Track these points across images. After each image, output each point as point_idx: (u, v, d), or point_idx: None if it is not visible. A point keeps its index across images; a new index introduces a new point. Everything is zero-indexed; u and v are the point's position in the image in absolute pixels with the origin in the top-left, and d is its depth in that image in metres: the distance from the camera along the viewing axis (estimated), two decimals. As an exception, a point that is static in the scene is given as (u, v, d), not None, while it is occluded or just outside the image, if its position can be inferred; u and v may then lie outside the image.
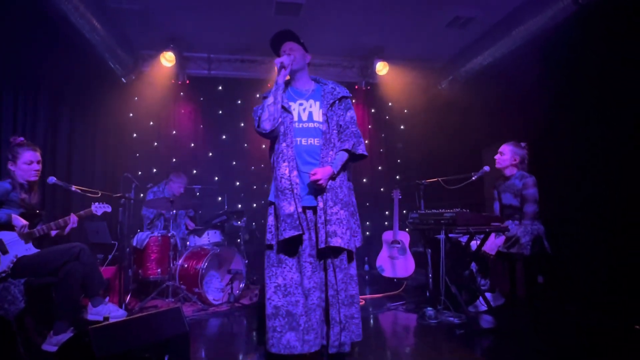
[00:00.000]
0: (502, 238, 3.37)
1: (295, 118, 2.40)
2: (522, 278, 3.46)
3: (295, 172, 2.30)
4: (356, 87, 6.31)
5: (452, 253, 3.44)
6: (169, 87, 5.72)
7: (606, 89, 3.61)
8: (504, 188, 3.56)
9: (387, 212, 6.22)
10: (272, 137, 2.41)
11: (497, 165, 3.57)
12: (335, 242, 2.18)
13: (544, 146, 4.15)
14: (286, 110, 2.38)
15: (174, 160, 5.75)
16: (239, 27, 4.89)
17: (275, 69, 2.44)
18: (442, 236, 3.20)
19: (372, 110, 6.59)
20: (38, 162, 2.92)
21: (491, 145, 3.66)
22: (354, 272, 2.33)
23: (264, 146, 5.74)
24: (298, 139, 2.36)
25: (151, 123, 5.83)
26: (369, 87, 6.33)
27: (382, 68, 5.62)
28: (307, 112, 2.42)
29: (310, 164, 2.34)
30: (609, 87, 3.58)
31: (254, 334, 2.99)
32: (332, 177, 2.30)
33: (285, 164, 2.30)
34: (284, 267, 2.28)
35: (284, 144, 2.33)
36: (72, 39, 4.21)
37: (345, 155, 2.37)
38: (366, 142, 6.42)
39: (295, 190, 2.26)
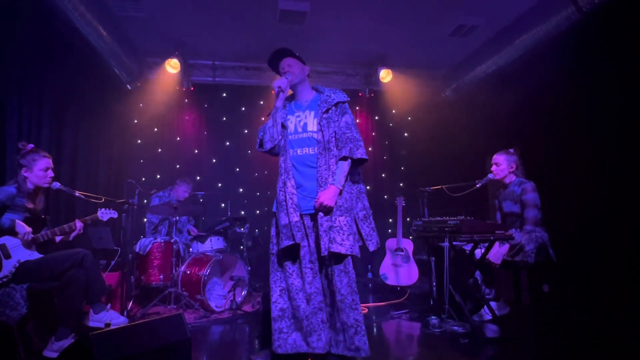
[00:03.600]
0: (507, 246, 3.34)
1: (292, 130, 2.48)
2: (526, 287, 3.42)
3: (290, 183, 2.37)
4: (360, 94, 6.33)
5: (456, 261, 3.41)
6: (174, 93, 5.76)
7: (610, 96, 3.60)
8: (504, 196, 3.54)
9: (390, 220, 6.20)
10: (275, 153, 2.53)
11: (497, 177, 3.57)
12: (336, 248, 2.22)
13: (547, 153, 4.14)
14: (284, 126, 2.48)
15: (178, 166, 5.77)
16: (243, 35, 4.93)
17: (273, 92, 2.50)
18: (446, 244, 3.18)
19: (376, 118, 6.60)
20: (52, 169, 2.98)
21: (495, 153, 3.65)
22: (355, 277, 2.37)
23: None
24: (295, 150, 2.44)
25: (155, 129, 5.86)
26: (372, 95, 6.35)
27: (385, 75, 5.64)
28: (302, 123, 2.48)
29: (305, 174, 2.40)
30: (614, 94, 3.57)
31: (256, 341, 2.97)
32: (340, 192, 2.33)
33: (282, 177, 2.40)
34: (286, 273, 2.36)
35: (281, 158, 2.46)
36: (78, 45, 4.25)
37: (346, 165, 2.37)
38: (370, 149, 6.44)
39: (289, 202, 2.32)
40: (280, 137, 2.46)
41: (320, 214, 2.30)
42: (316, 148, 2.40)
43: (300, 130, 2.46)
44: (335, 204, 2.30)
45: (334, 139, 2.40)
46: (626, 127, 3.44)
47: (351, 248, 2.25)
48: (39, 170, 2.89)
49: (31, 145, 2.95)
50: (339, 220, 2.29)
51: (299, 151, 2.44)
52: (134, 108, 5.64)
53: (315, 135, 2.42)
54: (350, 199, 2.40)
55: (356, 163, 2.42)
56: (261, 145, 2.54)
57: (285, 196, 2.35)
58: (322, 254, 2.25)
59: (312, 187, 2.37)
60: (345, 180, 2.37)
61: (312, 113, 2.48)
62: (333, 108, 2.46)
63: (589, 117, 3.81)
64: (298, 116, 2.50)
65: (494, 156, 3.60)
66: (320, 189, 2.32)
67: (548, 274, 3.53)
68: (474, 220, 3.14)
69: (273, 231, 2.47)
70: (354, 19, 4.61)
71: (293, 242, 2.27)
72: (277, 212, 2.40)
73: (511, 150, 3.59)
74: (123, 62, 4.88)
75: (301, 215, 2.35)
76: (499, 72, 5.01)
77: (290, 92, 2.56)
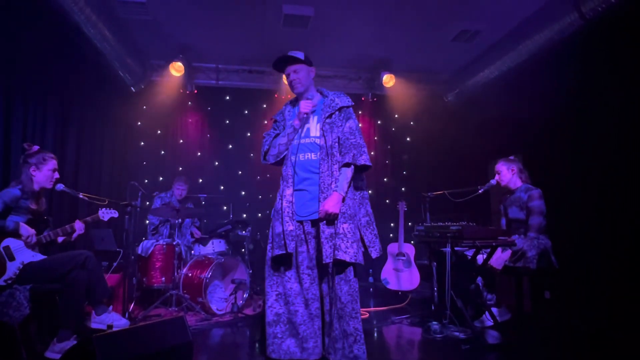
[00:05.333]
0: (509, 252, 3.34)
1: (300, 134, 2.46)
2: (528, 293, 3.42)
3: (288, 192, 2.38)
4: (363, 98, 6.34)
5: (458, 267, 3.40)
6: (178, 96, 5.79)
7: (613, 103, 3.60)
8: (510, 202, 3.54)
9: (392, 224, 6.19)
10: (277, 164, 2.55)
11: (502, 184, 3.57)
12: (340, 256, 2.20)
13: (550, 160, 4.13)
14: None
15: (180, 169, 5.78)
16: (247, 39, 4.95)
17: (300, 113, 2.45)
18: (448, 249, 3.17)
19: (379, 122, 6.61)
20: (57, 171, 3.01)
21: (498, 159, 3.65)
22: (357, 286, 2.34)
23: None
24: (297, 156, 2.43)
25: (159, 132, 5.88)
26: (375, 99, 6.36)
27: (388, 80, 5.66)
28: (305, 129, 2.46)
29: (307, 179, 2.39)
30: (616, 102, 3.57)
31: (257, 344, 2.97)
32: (343, 199, 2.32)
33: (282, 185, 2.44)
34: (284, 278, 2.36)
35: (283, 166, 2.48)
36: (83, 48, 4.28)
37: (349, 171, 2.36)
38: (372, 153, 6.45)
39: (286, 211, 2.34)
40: (285, 151, 2.49)
41: (324, 221, 2.29)
42: (319, 153, 2.37)
43: (303, 135, 2.45)
44: (339, 210, 2.27)
45: (337, 144, 2.38)
46: (629, 133, 3.44)
47: (355, 256, 2.23)
48: (48, 171, 2.92)
49: (37, 147, 2.97)
50: (343, 227, 2.26)
51: (301, 156, 2.41)
52: (138, 110, 5.66)
53: (317, 141, 2.40)
54: (354, 205, 2.38)
55: (359, 169, 2.40)
56: (265, 157, 2.57)
57: (282, 204, 2.36)
58: (324, 262, 2.23)
59: (314, 193, 2.35)
60: (349, 187, 2.35)
61: (316, 118, 2.47)
62: (337, 113, 2.44)
63: (592, 124, 3.81)
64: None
65: (496, 166, 3.63)
66: (322, 195, 2.30)
67: (550, 280, 3.52)
68: (476, 226, 3.14)
69: (270, 236, 2.47)
70: (358, 24, 4.63)
71: (284, 252, 2.28)
72: (273, 219, 2.43)
73: (511, 157, 3.61)
74: (127, 65, 4.91)
75: (301, 222, 2.36)
76: (501, 78, 5.02)
77: (293, 95, 2.58)
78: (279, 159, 2.50)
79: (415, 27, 4.72)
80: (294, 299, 2.31)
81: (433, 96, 6.22)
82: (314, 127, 2.45)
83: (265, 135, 2.62)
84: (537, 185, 3.46)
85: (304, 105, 2.41)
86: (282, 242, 2.29)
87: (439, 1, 4.16)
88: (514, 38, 4.59)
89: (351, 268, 2.31)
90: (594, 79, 3.80)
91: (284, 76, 2.67)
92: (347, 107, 2.49)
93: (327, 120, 2.41)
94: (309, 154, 2.41)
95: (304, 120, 2.45)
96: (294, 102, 2.63)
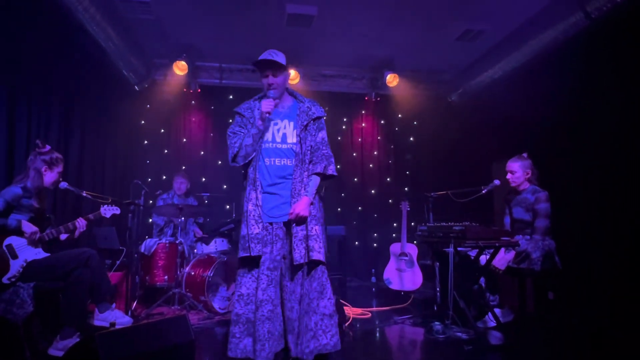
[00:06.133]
0: (512, 253, 3.33)
1: (269, 138, 2.48)
2: (532, 294, 3.40)
3: (254, 195, 2.42)
4: (366, 98, 6.34)
5: (460, 267, 3.39)
6: (181, 95, 5.81)
7: (617, 103, 3.58)
8: (516, 202, 3.51)
9: (395, 224, 6.19)
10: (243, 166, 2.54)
11: (512, 184, 3.50)
12: (315, 256, 2.33)
13: (553, 160, 4.11)
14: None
15: (184, 167, 5.79)
16: (250, 38, 4.95)
17: (263, 110, 2.42)
18: (450, 249, 3.16)
19: (382, 122, 6.60)
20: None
21: (501, 159, 3.64)
22: (325, 283, 2.42)
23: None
24: (271, 159, 2.45)
25: (162, 130, 5.89)
26: (378, 99, 6.35)
27: (392, 80, 5.65)
28: (281, 133, 2.50)
29: (278, 184, 2.44)
30: (621, 102, 3.55)
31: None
32: (312, 203, 2.42)
33: (249, 187, 2.45)
34: (249, 278, 2.40)
35: (250, 168, 2.48)
36: (87, 47, 4.30)
37: (318, 179, 2.49)
38: (375, 153, 6.45)
39: (252, 214, 2.39)
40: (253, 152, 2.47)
41: (294, 223, 2.37)
42: (294, 160, 2.45)
43: (279, 140, 2.49)
44: (310, 213, 2.40)
45: (309, 152, 2.49)
46: (632, 134, 3.42)
47: (325, 256, 2.39)
48: (57, 173, 2.98)
49: (49, 146, 3.00)
50: (315, 229, 2.40)
51: (276, 161, 2.46)
52: (141, 109, 5.68)
53: (294, 147, 2.47)
54: (320, 208, 2.52)
55: (325, 178, 2.53)
56: (234, 159, 2.50)
57: (248, 207, 2.41)
58: (296, 262, 2.33)
59: (286, 197, 2.43)
60: (316, 193, 2.48)
61: (292, 124, 2.51)
62: (311, 122, 2.53)
63: (595, 124, 3.80)
64: (276, 124, 2.51)
65: (508, 163, 3.50)
66: (293, 200, 2.39)
67: (553, 281, 3.50)
68: (479, 226, 3.13)
69: (240, 240, 2.48)
70: (361, 23, 4.63)
71: (247, 255, 2.33)
72: (242, 222, 2.45)
73: (525, 155, 3.51)
74: (131, 64, 4.92)
75: (271, 223, 2.41)
76: (505, 78, 5.00)
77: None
78: (247, 160, 2.48)
79: (418, 27, 4.70)
80: (253, 299, 2.36)
81: (437, 96, 6.20)
82: (290, 133, 2.50)
83: (231, 134, 2.55)
84: (541, 185, 3.44)
85: (265, 105, 2.42)
86: (247, 244, 2.35)
87: (442, 1, 4.15)
88: (518, 38, 4.57)
89: (321, 267, 2.42)
90: (598, 79, 3.78)
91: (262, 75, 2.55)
92: (322, 117, 2.59)
93: (305, 129, 2.50)
94: (285, 160, 2.47)
95: (266, 120, 2.45)
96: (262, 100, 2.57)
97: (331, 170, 2.49)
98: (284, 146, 2.48)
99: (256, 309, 2.30)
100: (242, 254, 2.37)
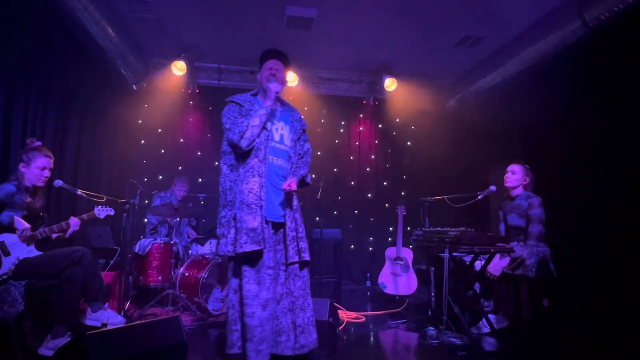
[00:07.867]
0: (507, 259, 3.33)
1: (274, 137, 2.50)
2: (526, 300, 3.40)
3: (264, 189, 2.39)
4: (364, 102, 6.35)
5: (455, 272, 3.39)
6: (179, 95, 5.78)
7: (616, 112, 3.60)
8: (510, 209, 3.52)
9: (390, 228, 6.19)
10: (244, 152, 2.40)
11: (507, 184, 3.53)
12: (307, 256, 2.44)
13: (551, 166, 4.13)
14: (265, 128, 2.45)
15: (180, 168, 5.77)
16: (250, 39, 4.95)
17: (271, 92, 2.45)
18: (446, 255, 3.16)
19: (380, 126, 6.61)
20: (49, 170, 2.95)
21: (498, 165, 3.65)
22: (308, 281, 2.52)
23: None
24: (272, 158, 2.46)
25: (159, 130, 5.88)
26: (376, 103, 6.35)
27: (390, 84, 5.65)
28: (279, 134, 2.54)
29: (279, 183, 2.47)
30: (617, 109, 3.57)
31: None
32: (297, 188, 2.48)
33: (255, 179, 2.37)
34: (243, 279, 2.32)
35: (255, 159, 2.40)
36: (86, 44, 4.28)
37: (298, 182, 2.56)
38: (372, 157, 6.46)
39: (263, 206, 2.35)
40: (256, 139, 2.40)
41: (288, 224, 2.42)
42: (288, 162, 2.53)
43: (277, 139, 2.51)
44: (301, 217, 2.54)
45: (296, 159, 2.58)
46: (629, 142, 3.44)
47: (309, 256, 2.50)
48: (36, 168, 2.86)
49: (38, 142, 2.95)
50: (301, 230, 2.49)
51: (276, 160, 2.48)
52: (139, 108, 5.65)
53: (289, 151, 2.55)
54: (299, 209, 2.58)
55: (302, 184, 2.64)
56: (241, 138, 2.33)
57: (260, 199, 2.34)
58: (289, 261, 2.38)
59: (280, 197, 2.46)
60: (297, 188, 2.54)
61: (287, 128, 2.58)
62: (302, 132, 2.66)
63: (592, 132, 3.81)
64: (273, 124, 2.52)
65: (511, 165, 3.56)
66: (284, 203, 2.47)
67: (548, 288, 3.51)
68: (475, 231, 3.13)
69: (232, 233, 2.32)
70: (361, 27, 4.63)
71: (261, 248, 2.28)
72: (241, 214, 2.31)
73: (527, 166, 3.57)
74: (129, 63, 4.91)
75: (267, 222, 2.39)
76: (504, 84, 5.01)
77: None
78: (249, 144, 2.35)
79: (418, 32, 4.72)
80: (251, 301, 2.28)
81: (435, 101, 6.20)
82: (286, 136, 2.56)
83: (232, 117, 2.40)
84: (537, 192, 3.45)
85: (275, 86, 2.46)
86: (260, 236, 2.28)
87: (442, 6, 4.17)
88: (518, 44, 4.58)
89: (307, 267, 2.51)
90: (596, 87, 3.80)
91: (266, 68, 2.59)
92: (307, 129, 2.73)
93: (299, 138, 2.63)
94: (281, 161, 2.51)
95: (274, 100, 2.48)
96: (259, 98, 2.57)
97: (309, 179, 2.68)
98: (282, 147, 2.52)
99: (262, 309, 2.29)
100: (254, 247, 2.24)
